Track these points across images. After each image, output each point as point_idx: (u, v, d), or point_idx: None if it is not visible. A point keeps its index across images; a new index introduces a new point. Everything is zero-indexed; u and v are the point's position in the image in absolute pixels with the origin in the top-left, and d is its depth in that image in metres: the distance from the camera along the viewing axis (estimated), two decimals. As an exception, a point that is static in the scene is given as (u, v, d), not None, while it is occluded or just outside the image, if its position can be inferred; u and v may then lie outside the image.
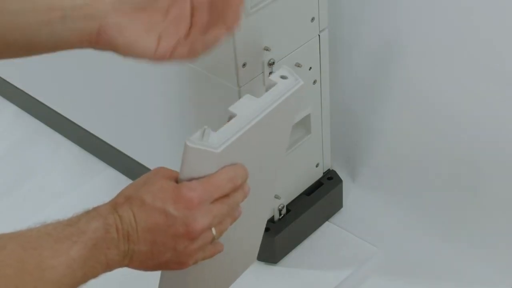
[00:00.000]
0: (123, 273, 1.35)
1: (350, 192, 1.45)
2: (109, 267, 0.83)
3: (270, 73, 1.20)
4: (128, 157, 1.48)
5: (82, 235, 0.80)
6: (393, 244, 1.37)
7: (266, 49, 1.17)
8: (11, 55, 0.94)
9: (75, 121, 1.58)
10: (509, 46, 1.24)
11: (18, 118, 1.71)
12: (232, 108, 0.89)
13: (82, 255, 0.80)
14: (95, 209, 0.84)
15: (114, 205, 0.84)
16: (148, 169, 1.13)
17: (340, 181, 1.41)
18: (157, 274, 1.37)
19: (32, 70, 1.60)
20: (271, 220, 1.35)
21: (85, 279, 0.81)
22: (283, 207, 1.34)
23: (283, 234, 1.34)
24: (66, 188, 1.54)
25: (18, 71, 1.66)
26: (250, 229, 1.02)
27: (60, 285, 0.78)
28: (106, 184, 1.53)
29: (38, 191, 1.54)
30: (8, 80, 1.71)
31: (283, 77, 0.93)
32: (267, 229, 1.34)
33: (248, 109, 0.89)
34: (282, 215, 1.35)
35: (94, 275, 0.82)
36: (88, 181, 1.55)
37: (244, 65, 1.16)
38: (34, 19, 0.89)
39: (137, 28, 0.88)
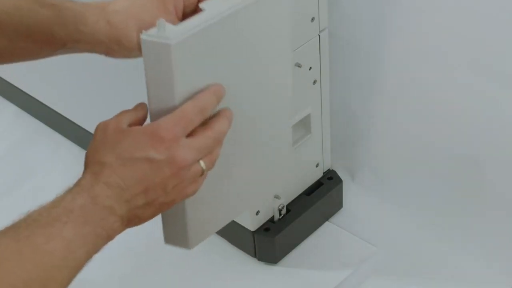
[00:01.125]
0: (123, 273, 1.35)
1: (350, 192, 1.45)
2: (109, 238, 0.81)
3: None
4: (128, 157, 1.48)
5: (70, 214, 0.79)
6: (393, 244, 1.37)
7: (266, 49, 1.17)
8: (11, 58, 0.98)
9: (75, 121, 1.58)
10: (509, 43, 1.24)
11: (18, 118, 1.71)
12: (203, 4, 0.82)
13: (76, 234, 0.78)
14: (76, 184, 0.82)
15: (94, 175, 0.82)
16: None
17: (340, 181, 1.41)
18: (156, 272, 1.38)
19: (32, 70, 1.60)
20: (271, 220, 1.35)
21: (88, 256, 0.79)
22: (283, 207, 1.34)
23: (283, 234, 1.34)
24: (66, 188, 1.54)
25: (18, 71, 1.66)
26: (267, 154, 0.95)
27: (63, 268, 0.77)
28: (106, 184, 1.53)
29: (38, 191, 1.54)
30: (8, 80, 1.71)
31: None
32: (267, 229, 1.34)
33: (219, 5, 0.81)
34: (282, 215, 1.35)
35: (96, 249, 0.80)
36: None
37: (244, 65, 1.15)
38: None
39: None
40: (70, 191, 0.82)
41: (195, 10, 0.92)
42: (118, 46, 0.93)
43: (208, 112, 0.85)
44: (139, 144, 0.82)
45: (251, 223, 1.33)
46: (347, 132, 1.47)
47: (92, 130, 1.55)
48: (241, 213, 1.03)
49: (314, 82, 1.29)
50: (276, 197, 1.33)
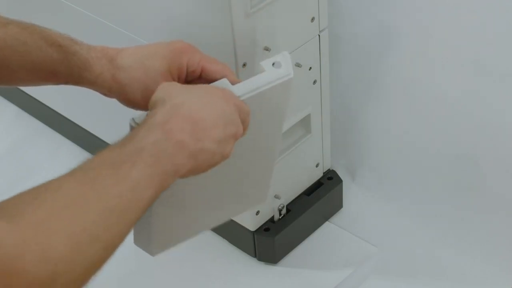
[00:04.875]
0: (123, 272, 1.35)
1: (350, 192, 1.45)
2: (177, 173, 0.80)
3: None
4: (128, 157, 1.48)
5: (141, 153, 0.77)
6: (393, 244, 1.38)
7: (266, 49, 1.17)
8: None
9: (75, 121, 1.58)
10: (509, 46, 1.24)
11: (18, 118, 1.71)
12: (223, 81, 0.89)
13: (145, 174, 0.76)
14: (150, 117, 0.81)
15: (173, 107, 0.81)
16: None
17: (340, 181, 1.41)
18: (156, 271, 1.38)
19: (32, 70, 1.60)
20: (271, 220, 1.35)
21: (155, 195, 0.78)
22: (283, 207, 1.34)
23: (283, 234, 1.34)
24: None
25: (18, 71, 1.66)
26: (244, 183, 1.01)
27: (129, 211, 0.75)
28: (106, 184, 1.53)
29: (38, 191, 1.54)
30: (8, 80, 1.71)
31: (276, 64, 0.91)
32: (267, 229, 1.34)
33: (246, 86, 0.89)
34: (282, 215, 1.35)
35: (165, 187, 0.79)
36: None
37: (244, 65, 1.16)
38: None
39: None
40: (142, 126, 0.80)
41: (198, 77, 0.95)
42: (120, 98, 0.97)
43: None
44: (213, 93, 0.85)
45: (251, 223, 1.33)
46: (347, 132, 1.47)
47: (92, 130, 1.55)
48: (210, 228, 1.05)
49: (314, 82, 1.29)
50: (276, 197, 1.33)
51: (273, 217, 1.35)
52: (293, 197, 1.38)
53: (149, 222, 0.91)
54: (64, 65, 0.94)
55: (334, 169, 1.43)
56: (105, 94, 0.97)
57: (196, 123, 0.81)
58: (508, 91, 1.26)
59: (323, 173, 1.41)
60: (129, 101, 0.96)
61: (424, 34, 1.32)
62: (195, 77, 0.96)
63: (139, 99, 0.95)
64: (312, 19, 1.23)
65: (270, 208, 1.34)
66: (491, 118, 1.30)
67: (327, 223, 1.42)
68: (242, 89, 0.90)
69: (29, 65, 0.93)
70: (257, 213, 1.32)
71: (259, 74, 0.91)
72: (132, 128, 0.85)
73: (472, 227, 1.35)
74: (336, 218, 1.43)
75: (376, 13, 1.35)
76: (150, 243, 0.94)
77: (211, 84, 0.91)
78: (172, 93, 0.84)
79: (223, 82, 0.91)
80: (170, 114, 0.80)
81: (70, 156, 1.61)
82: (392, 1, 1.33)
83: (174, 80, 0.95)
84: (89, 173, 0.75)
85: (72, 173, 0.75)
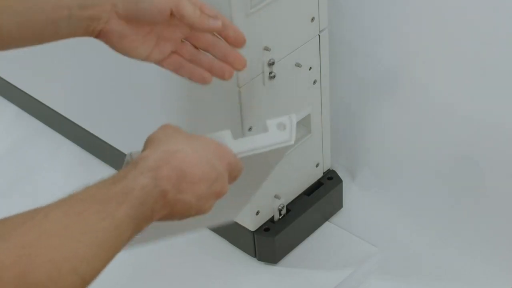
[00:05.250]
0: (123, 273, 1.35)
1: (350, 192, 1.45)
2: (152, 219, 0.81)
3: (270, 73, 1.20)
4: (128, 157, 1.48)
5: (129, 194, 0.78)
6: (393, 244, 1.37)
7: (266, 49, 1.17)
8: (14, 46, 0.95)
9: (75, 121, 1.58)
10: (509, 45, 1.24)
11: (18, 118, 1.71)
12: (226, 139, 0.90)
13: (129, 215, 0.77)
14: (143, 160, 0.82)
15: (166, 153, 0.82)
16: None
17: (340, 181, 1.41)
18: (156, 271, 1.38)
19: (32, 70, 1.60)
20: (271, 220, 1.35)
21: (132, 236, 0.79)
22: (283, 207, 1.34)
23: (283, 234, 1.34)
24: (66, 188, 1.53)
25: (18, 71, 1.66)
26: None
27: (108, 247, 0.76)
28: (106, 184, 1.53)
29: (38, 191, 1.54)
30: (8, 80, 1.71)
31: (280, 126, 0.92)
32: (267, 229, 1.34)
33: (245, 143, 0.91)
34: (282, 215, 1.35)
35: (139, 230, 0.80)
36: (88, 181, 1.55)
37: (244, 65, 1.16)
38: (42, 18, 0.91)
39: (135, 38, 0.95)
40: (134, 166, 0.81)
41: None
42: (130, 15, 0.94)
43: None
44: (210, 148, 0.86)
45: (251, 223, 1.33)
46: (347, 132, 1.47)
47: (92, 130, 1.55)
48: (190, 231, 1.06)
49: (314, 82, 1.29)
50: (276, 197, 1.33)
51: (273, 217, 1.35)
52: (293, 197, 1.38)
53: None
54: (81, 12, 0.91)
55: (334, 169, 1.43)
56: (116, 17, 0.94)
57: (183, 175, 0.82)
58: (508, 91, 1.26)
59: (323, 173, 1.41)
60: (146, 16, 0.94)
61: (424, 34, 1.32)
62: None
63: (156, 10, 0.93)
64: (312, 19, 1.23)
65: (270, 208, 1.34)
66: (491, 118, 1.30)
67: (327, 223, 1.42)
68: (241, 146, 0.91)
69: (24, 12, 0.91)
70: (257, 213, 1.32)
71: (261, 134, 0.92)
72: (127, 162, 0.86)
73: (472, 227, 1.35)
74: (336, 218, 1.43)
75: (376, 13, 1.35)
76: None
77: (213, 135, 0.91)
78: (170, 138, 0.85)
79: (226, 134, 0.91)
80: (162, 161, 0.81)
81: (70, 156, 1.61)
82: (392, 1, 1.32)
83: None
84: (76, 206, 0.76)
85: (60, 203, 0.76)
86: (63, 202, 0.76)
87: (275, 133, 0.92)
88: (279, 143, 0.92)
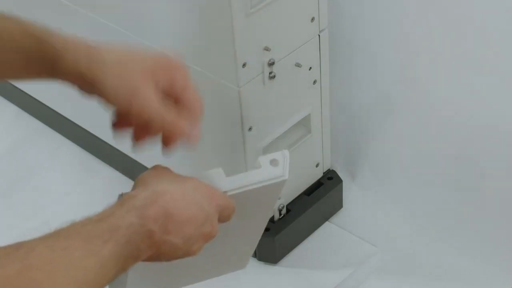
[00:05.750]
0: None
1: (350, 192, 1.45)
2: (138, 259, 0.81)
3: (270, 73, 1.19)
4: (128, 157, 1.48)
5: (115, 232, 0.77)
6: (393, 244, 1.37)
7: (266, 49, 1.17)
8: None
9: (75, 121, 1.58)
10: (509, 45, 1.24)
11: (18, 118, 1.70)
12: (199, 177, 0.89)
13: (115, 253, 0.77)
14: (130, 198, 0.81)
15: (154, 194, 0.81)
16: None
17: (340, 181, 1.41)
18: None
19: (32, 70, 1.60)
20: (271, 220, 1.35)
21: (117, 275, 0.79)
22: (283, 207, 1.34)
23: (283, 234, 1.34)
24: (66, 188, 1.54)
25: (18, 71, 1.66)
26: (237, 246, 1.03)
27: (93, 285, 0.75)
28: (106, 184, 1.53)
29: (38, 191, 1.54)
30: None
31: (273, 162, 0.92)
32: (267, 229, 1.34)
33: (238, 181, 0.89)
34: (282, 215, 1.35)
35: (125, 269, 0.80)
36: (88, 181, 1.55)
37: (244, 65, 1.16)
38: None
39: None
40: (121, 204, 0.80)
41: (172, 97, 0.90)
42: (91, 91, 0.90)
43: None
44: (199, 190, 0.84)
45: (251, 223, 1.33)
46: (347, 132, 1.47)
47: (92, 130, 1.55)
48: (191, 284, 1.06)
49: (314, 82, 1.29)
50: (276, 197, 1.33)
51: (273, 217, 1.35)
52: (293, 197, 1.38)
53: (125, 275, 0.92)
54: (37, 54, 0.88)
55: (334, 169, 1.43)
56: (79, 88, 0.91)
57: (170, 217, 0.81)
58: (508, 91, 1.26)
59: (323, 173, 1.41)
60: (102, 95, 0.88)
61: (424, 34, 1.32)
62: (170, 95, 0.90)
63: (112, 95, 0.87)
64: (312, 19, 1.23)
65: (270, 208, 1.34)
66: (491, 118, 1.30)
67: (327, 223, 1.42)
68: (232, 183, 0.90)
69: (1, 57, 0.88)
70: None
71: (254, 170, 0.91)
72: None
73: (472, 227, 1.35)
74: (336, 218, 1.43)
75: (376, 13, 1.35)
76: None
77: (205, 174, 0.90)
78: (159, 178, 0.84)
79: (218, 172, 0.91)
80: (150, 200, 0.80)
81: (70, 156, 1.61)
82: (392, 1, 1.33)
83: (152, 88, 0.88)
84: (62, 241, 0.75)
85: (46, 238, 0.75)
86: (48, 237, 0.75)
87: (268, 169, 0.91)
88: (272, 178, 0.91)
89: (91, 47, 0.88)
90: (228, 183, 0.90)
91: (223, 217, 0.87)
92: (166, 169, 0.87)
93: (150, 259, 0.82)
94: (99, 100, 0.89)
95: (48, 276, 0.72)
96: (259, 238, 1.03)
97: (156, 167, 0.87)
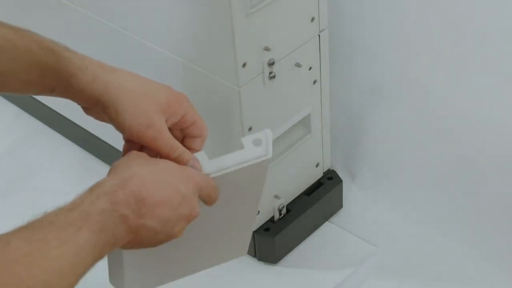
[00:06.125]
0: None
1: (350, 192, 1.45)
2: (115, 245, 0.81)
3: (270, 73, 1.20)
4: (128, 157, 1.48)
5: (87, 219, 0.77)
6: (393, 244, 1.38)
7: (266, 49, 1.17)
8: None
9: (75, 121, 1.58)
10: (509, 45, 1.24)
11: (18, 118, 1.71)
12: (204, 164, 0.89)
13: (89, 240, 0.77)
14: (98, 186, 0.81)
15: (122, 180, 0.81)
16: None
17: (340, 181, 1.41)
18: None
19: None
20: (271, 220, 1.35)
21: (94, 262, 0.79)
22: (283, 207, 1.34)
23: (283, 234, 1.34)
24: (66, 188, 1.54)
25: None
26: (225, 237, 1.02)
27: (70, 274, 0.75)
28: (106, 184, 1.53)
29: (38, 191, 1.54)
30: (8, 80, 1.71)
31: (256, 142, 0.91)
32: (267, 229, 1.34)
33: (220, 163, 0.89)
34: (282, 215, 1.35)
35: (102, 256, 0.80)
36: (88, 181, 1.54)
37: (244, 65, 1.16)
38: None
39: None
40: (90, 192, 0.81)
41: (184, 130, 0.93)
42: (103, 114, 0.92)
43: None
44: (171, 171, 0.84)
45: (251, 223, 1.33)
46: (347, 132, 1.47)
47: (92, 130, 1.55)
48: (187, 275, 1.06)
49: (314, 82, 1.29)
50: (276, 197, 1.33)
51: (273, 217, 1.35)
52: (293, 197, 1.38)
53: (121, 264, 0.92)
54: (53, 69, 0.88)
55: (334, 169, 1.43)
56: (88, 108, 0.93)
57: (142, 200, 0.81)
58: (508, 91, 1.26)
59: (323, 173, 1.41)
60: (113, 120, 0.91)
61: (424, 34, 1.32)
62: (177, 125, 0.93)
63: (127, 123, 0.89)
64: (312, 19, 1.23)
65: (270, 208, 1.34)
66: (491, 118, 1.30)
67: (327, 223, 1.42)
68: (215, 166, 0.90)
69: (16, 67, 0.88)
70: (257, 213, 1.32)
71: (236, 151, 0.91)
72: None
73: (472, 227, 1.35)
74: (336, 218, 1.43)
75: (376, 13, 1.35)
76: (124, 285, 0.95)
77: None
78: (129, 165, 0.84)
79: (200, 155, 0.90)
80: (118, 186, 0.81)
81: (70, 156, 1.61)
82: (392, 1, 1.33)
83: (164, 121, 0.90)
84: (36, 233, 0.75)
85: (18, 232, 0.76)
86: (23, 229, 0.76)
87: (251, 149, 0.91)
88: (255, 158, 0.91)
89: (106, 70, 0.90)
90: (212, 165, 0.90)
91: (205, 197, 0.87)
92: (139, 154, 0.87)
93: (133, 245, 0.83)
94: (106, 122, 0.92)
95: (25, 269, 0.72)
96: (253, 222, 1.03)
97: (129, 154, 0.87)
